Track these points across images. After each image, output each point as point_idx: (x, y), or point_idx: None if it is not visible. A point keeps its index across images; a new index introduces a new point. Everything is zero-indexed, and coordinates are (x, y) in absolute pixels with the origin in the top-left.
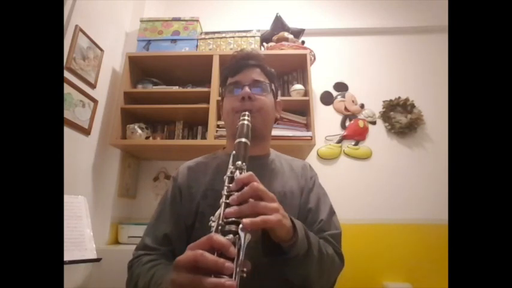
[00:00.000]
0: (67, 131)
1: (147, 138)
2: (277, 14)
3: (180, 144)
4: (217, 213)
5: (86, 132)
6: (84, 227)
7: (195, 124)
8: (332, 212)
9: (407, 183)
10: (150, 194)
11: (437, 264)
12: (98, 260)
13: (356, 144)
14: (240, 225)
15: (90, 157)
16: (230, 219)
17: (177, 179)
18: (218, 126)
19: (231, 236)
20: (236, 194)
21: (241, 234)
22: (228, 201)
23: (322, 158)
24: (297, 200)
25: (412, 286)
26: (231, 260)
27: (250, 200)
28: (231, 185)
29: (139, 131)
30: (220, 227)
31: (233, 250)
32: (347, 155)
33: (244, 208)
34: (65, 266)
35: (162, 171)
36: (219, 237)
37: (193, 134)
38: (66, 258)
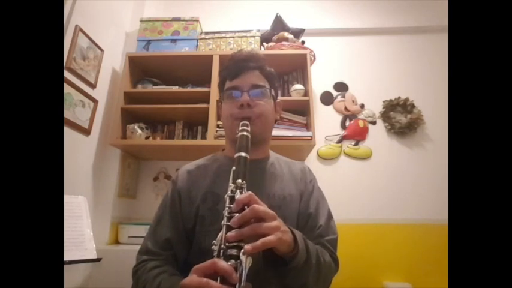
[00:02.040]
0: (67, 131)
1: (147, 138)
2: (277, 14)
3: (180, 144)
4: (219, 236)
5: (86, 132)
6: (84, 227)
7: (195, 124)
8: (330, 217)
9: (407, 183)
10: (150, 194)
11: (437, 264)
12: (98, 260)
13: (356, 144)
14: (242, 250)
15: (90, 157)
16: (232, 244)
17: (177, 183)
18: (218, 126)
19: (232, 261)
20: (237, 216)
21: (243, 258)
22: (229, 223)
23: (322, 158)
24: (296, 203)
25: (412, 286)
26: (233, 285)
27: (252, 221)
28: (231, 205)
29: (139, 131)
30: (222, 251)
31: (235, 277)
32: (347, 155)
33: (246, 231)
34: (65, 266)
35: (162, 171)
36: (222, 264)
37: (193, 134)
38: (66, 258)
